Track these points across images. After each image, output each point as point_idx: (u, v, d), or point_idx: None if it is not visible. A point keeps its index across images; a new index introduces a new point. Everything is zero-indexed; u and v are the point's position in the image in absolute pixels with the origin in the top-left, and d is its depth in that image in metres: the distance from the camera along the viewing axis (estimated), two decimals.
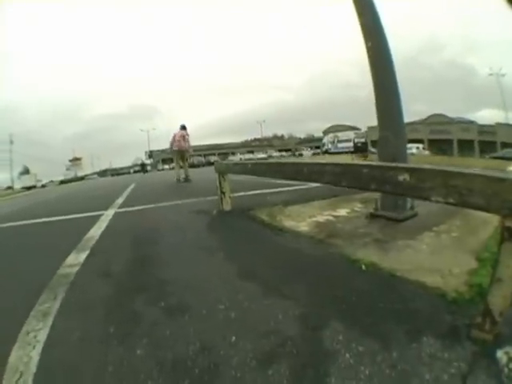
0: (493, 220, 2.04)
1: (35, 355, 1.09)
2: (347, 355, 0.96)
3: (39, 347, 1.14)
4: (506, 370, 0.90)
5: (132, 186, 9.34)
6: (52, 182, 53.78)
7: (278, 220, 2.92)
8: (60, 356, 1.09)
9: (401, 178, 1.34)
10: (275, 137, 76.82)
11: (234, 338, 1.09)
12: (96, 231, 3.09)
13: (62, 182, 47.27)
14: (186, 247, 2.30)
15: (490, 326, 1.02)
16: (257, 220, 2.96)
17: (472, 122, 44.64)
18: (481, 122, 44.25)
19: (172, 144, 8.52)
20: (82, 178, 56.35)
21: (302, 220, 2.90)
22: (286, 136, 77.98)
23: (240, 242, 2.33)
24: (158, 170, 41.97)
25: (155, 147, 57.98)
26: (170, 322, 1.23)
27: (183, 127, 8.67)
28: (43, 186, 48.73)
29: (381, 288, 1.44)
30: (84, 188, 14.96)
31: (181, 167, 8.80)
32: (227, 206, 3.55)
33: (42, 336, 1.21)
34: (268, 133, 74.57)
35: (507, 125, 38.38)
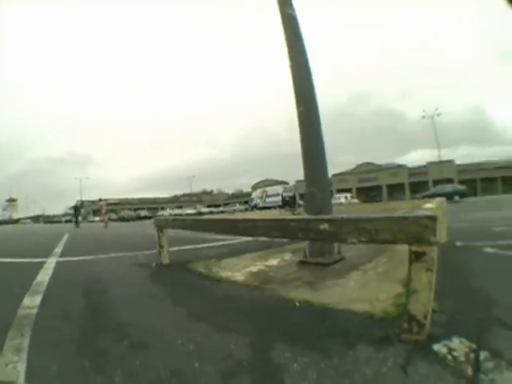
0: None
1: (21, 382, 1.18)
2: (295, 365, 1.20)
3: (22, 375, 1.22)
4: (449, 356, 1.18)
5: (67, 236, 9.70)
6: None
7: (214, 271, 3.08)
8: None
9: (322, 227, 1.66)
10: (204, 192, 76.70)
11: (197, 363, 1.26)
12: (43, 277, 3.12)
13: None
14: (133, 296, 2.37)
15: (418, 328, 1.29)
16: (195, 272, 3.10)
17: (402, 166, 47.35)
18: (412, 163, 47.16)
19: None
20: (16, 221, 52.08)
21: (237, 271, 3.08)
22: (216, 191, 78.11)
23: (183, 292, 2.46)
24: (88, 222, 37.97)
25: (87, 197, 53.00)
26: (137, 355, 1.35)
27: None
28: None
29: (315, 318, 1.70)
30: (20, 233, 15.43)
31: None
32: (165, 260, 3.62)
33: (22, 367, 1.28)
34: (197, 188, 74.58)
35: (438, 163, 40.50)
